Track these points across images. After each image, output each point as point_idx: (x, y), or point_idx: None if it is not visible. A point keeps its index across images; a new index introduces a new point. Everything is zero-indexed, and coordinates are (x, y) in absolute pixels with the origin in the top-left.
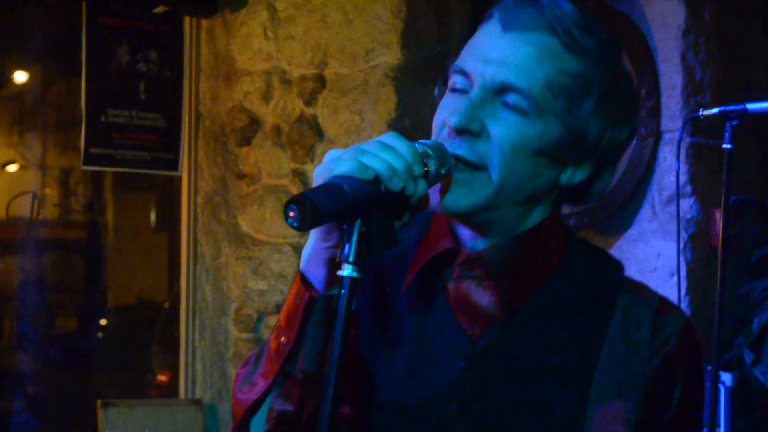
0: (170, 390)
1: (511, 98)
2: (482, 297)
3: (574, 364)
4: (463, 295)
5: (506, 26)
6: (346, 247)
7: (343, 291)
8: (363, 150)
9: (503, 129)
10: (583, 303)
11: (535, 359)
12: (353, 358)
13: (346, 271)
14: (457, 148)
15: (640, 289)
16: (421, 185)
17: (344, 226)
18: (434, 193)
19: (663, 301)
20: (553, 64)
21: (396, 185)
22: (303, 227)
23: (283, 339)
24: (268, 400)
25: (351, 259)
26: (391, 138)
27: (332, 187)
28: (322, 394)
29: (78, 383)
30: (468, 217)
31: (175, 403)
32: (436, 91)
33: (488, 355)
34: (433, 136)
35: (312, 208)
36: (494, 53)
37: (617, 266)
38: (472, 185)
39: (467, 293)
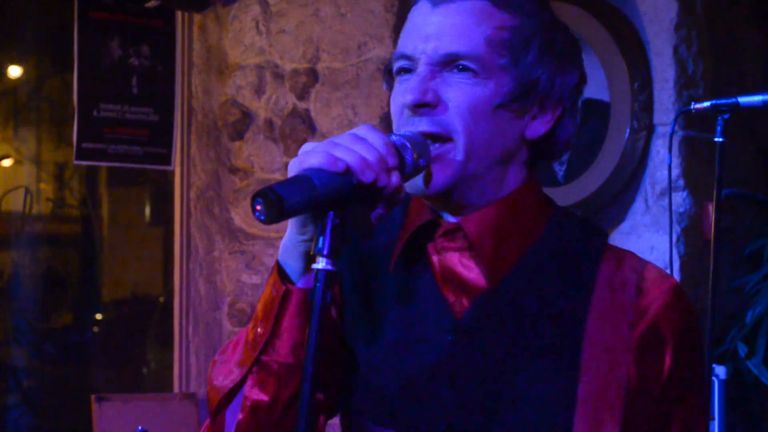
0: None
1: (459, 65)
2: (465, 267)
3: (562, 331)
4: (446, 267)
5: (435, 2)
6: (320, 240)
7: (318, 284)
8: (334, 143)
9: (458, 94)
10: (568, 269)
11: (522, 328)
12: (333, 346)
13: (321, 264)
14: (419, 124)
15: (625, 255)
16: (394, 177)
17: (318, 220)
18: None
19: (649, 265)
20: (488, 23)
21: (368, 177)
22: (269, 221)
23: (259, 330)
24: (244, 389)
25: (325, 252)
26: (364, 130)
27: (300, 179)
28: (297, 385)
29: (72, 377)
30: (448, 196)
31: (169, 397)
32: (384, 86)
33: (475, 327)
34: (395, 127)
35: (277, 201)
36: (430, 29)
37: (600, 233)
38: (443, 161)
39: (450, 265)
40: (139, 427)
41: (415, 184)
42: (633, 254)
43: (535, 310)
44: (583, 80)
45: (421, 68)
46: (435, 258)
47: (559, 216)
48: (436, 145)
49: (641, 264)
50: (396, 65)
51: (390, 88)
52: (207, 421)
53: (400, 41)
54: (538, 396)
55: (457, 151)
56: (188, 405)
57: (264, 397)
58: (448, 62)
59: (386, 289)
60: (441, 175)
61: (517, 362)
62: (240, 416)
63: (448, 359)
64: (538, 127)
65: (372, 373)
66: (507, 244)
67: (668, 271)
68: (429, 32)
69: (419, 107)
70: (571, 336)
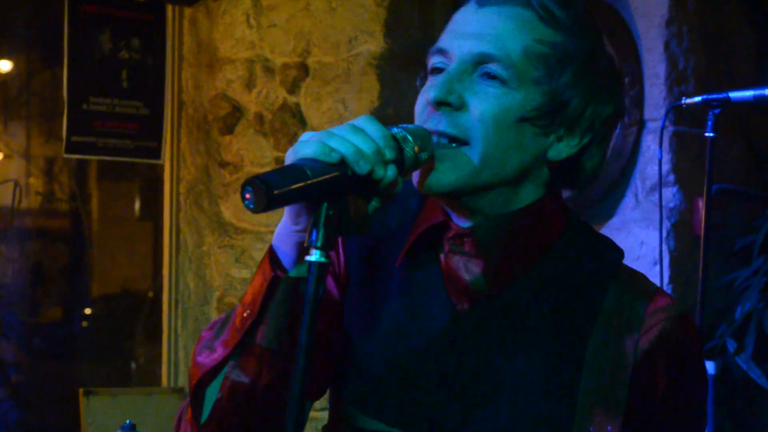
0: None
1: (490, 68)
2: (470, 273)
3: (563, 344)
4: (452, 269)
5: (481, 3)
6: (314, 232)
7: (310, 277)
8: (331, 133)
9: (483, 101)
10: (577, 284)
11: (522, 337)
12: (326, 329)
13: (314, 256)
14: (438, 123)
15: (637, 276)
16: (391, 170)
17: (312, 211)
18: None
19: (660, 290)
20: (530, 34)
21: (363, 169)
22: (258, 209)
23: (246, 313)
24: (225, 368)
25: (318, 244)
26: (362, 121)
27: (293, 169)
28: (279, 370)
29: (61, 372)
30: (455, 199)
31: (158, 392)
32: (418, 82)
33: (474, 330)
34: (416, 122)
35: (266, 190)
36: (470, 28)
37: (616, 252)
38: (456, 160)
39: (456, 268)
40: (127, 421)
41: (423, 181)
42: (644, 276)
43: (537, 322)
44: (619, 114)
45: (452, 66)
46: (443, 255)
47: (575, 231)
48: (453, 144)
49: (652, 287)
50: (431, 61)
51: (423, 84)
52: (187, 398)
53: (440, 37)
54: (530, 407)
55: (472, 155)
56: (176, 399)
57: (244, 379)
58: (480, 63)
59: (391, 282)
60: (450, 175)
61: (511, 372)
62: (219, 395)
63: (442, 356)
64: (562, 149)
65: (366, 363)
66: (515, 255)
67: (658, 267)
68: (468, 30)
69: (441, 105)
70: (574, 349)
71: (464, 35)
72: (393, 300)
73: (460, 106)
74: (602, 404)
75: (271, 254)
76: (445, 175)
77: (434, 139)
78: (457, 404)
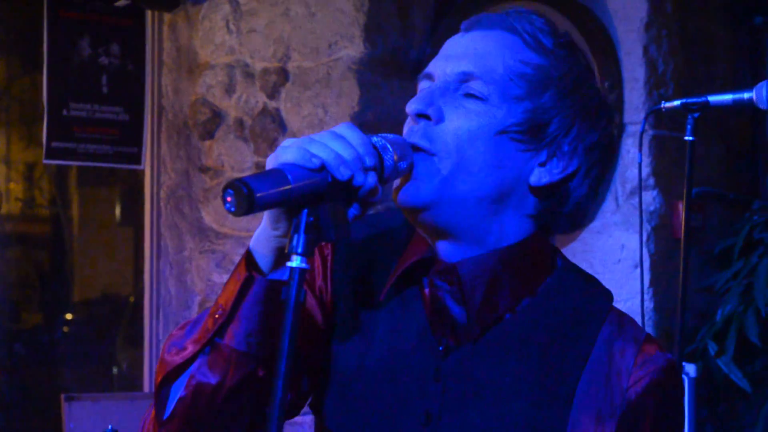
0: (134, 383)
1: (472, 85)
2: (455, 310)
3: (551, 388)
4: (437, 306)
5: (467, 28)
6: (295, 237)
7: (293, 282)
8: (311, 139)
9: (461, 116)
10: (565, 327)
11: (508, 379)
12: (308, 363)
13: (295, 262)
14: (413, 135)
15: (627, 321)
16: (371, 177)
17: (293, 217)
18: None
19: (649, 337)
20: (513, 55)
21: (343, 175)
22: (239, 213)
23: (218, 313)
24: (192, 367)
25: (299, 250)
26: (343, 128)
27: (273, 173)
28: (245, 374)
29: (42, 377)
30: (428, 216)
31: (139, 397)
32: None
33: (459, 371)
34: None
35: (248, 194)
36: (455, 50)
37: (605, 294)
38: (426, 170)
39: (441, 306)
40: (109, 427)
41: (398, 195)
42: (633, 321)
43: (522, 366)
44: (605, 146)
45: (435, 84)
46: (427, 291)
47: (563, 272)
48: (422, 155)
49: (641, 333)
50: (419, 86)
51: None
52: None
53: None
54: None
55: (442, 165)
56: None
57: (210, 380)
58: (462, 81)
59: (377, 315)
60: (421, 186)
61: (498, 414)
62: (183, 393)
63: (427, 398)
64: (544, 175)
65: (351, 398)
66: (499, 295)
67: (638, 270)
68: (452, 53)
69: (420, 117)
70: (560, 397)
71: (448, 57)
72: (378, 334)
73: (439, 119)
74: None
75: (248, 256)
76: (415, 189)
77: (410, 153)
78: None
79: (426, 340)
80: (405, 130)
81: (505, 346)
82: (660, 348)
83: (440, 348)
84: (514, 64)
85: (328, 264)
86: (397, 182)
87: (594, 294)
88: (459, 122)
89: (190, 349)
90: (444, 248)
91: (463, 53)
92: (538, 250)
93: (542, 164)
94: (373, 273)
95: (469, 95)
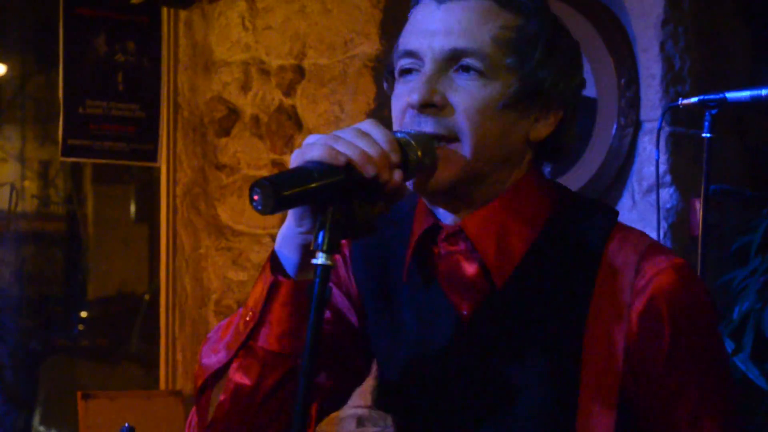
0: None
1: (466, 63)
2: (469, 271)
3: (564, 327)
4: (451, 272)
5: (440, 0)
6: (320, 235)
7: (317, 280)
8: (337, 136)
9: (465, 97)
10: (572, 257)
11: (525, 327)
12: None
13: (320, 259)
14: (424, 125)
15: (631, 234)
16: (397, 174)
17: (318, 214)
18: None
19: (654, 246)
20: (495, 22)
21: (369, 172)
22: (266, 211)
23: (248, 315)
24: (228, 371)
25: (324, 247)
26: (368, 125)
27: (300, 171)
28: (281, 373)
29: (58, 375)
30: (453, 193)
31: (156, 395)
32: (385, 86)
33: (479, 330)
34: (395, 126)
35: (274, 191)
36: (436, 25)
37: (608, 214)
38: (449, 158)
39: (455, 270)
40: (126, 425)
41: (420, 181)
42: (640, 233)
43: (540, 308)
44: (583, 84)
45: (427, 66)
46: (441, 262)
47: (565, 203)
48: (442, 144)
49: (645, 243)
50: (399, 64)
51: (391, 89)
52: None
53: (402, 39)
54: (540, 396)
55: (464, 150)
56: (174, 402)
57: (247, 381)
58: (454, 59)
59: (402, 297)
60: (446, 172)
61: (519, 363)
62: (222, 397)
63: (454, 364)
64: (542, 129)
65: (394, 381)
66: (509, 240)
67: None
68: (434, 28)
69: (425, 107)
70: (574, 330)
71: (431, 33)
72: (406, 314)
73: (444, 106)
74: (600, 398)
75: (273, 258)
76: (442, 173)
77: (434, 148)
78: (468, 412)
79: (446, 309)
80: (398, 119)
81: (520, 295)
82: (666, 254)
83: (459, 315)
84: (499, 32)
85: (348, 257)
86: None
87: (594, 216)
88: (465, 103)
89: (225, 353)
90: (446, 213)
91: (446, 28)
92: (534, 189)
93: (537, 120)
94: (390, 255)
95: (464, 70)
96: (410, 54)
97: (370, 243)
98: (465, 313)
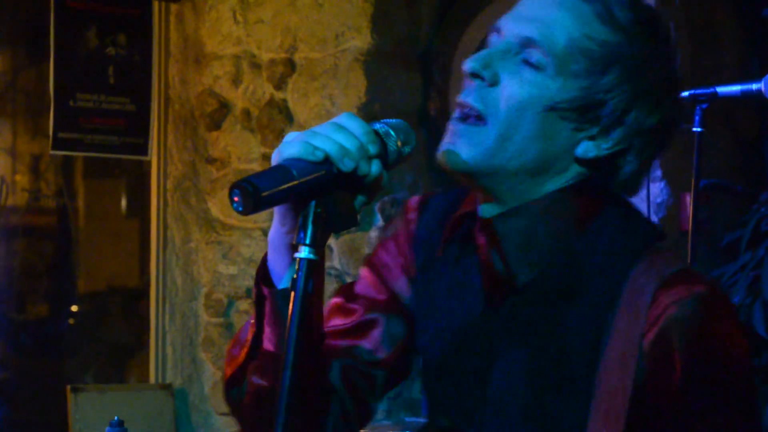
0: (140, 374)
1: (532, 53)
2: (498, 263)
3: (587, 335)
4: (484, 260)
5: None
6: (302, 229)
7: (299, 273)
8: (314, 132)
9: (516, 83)
10: (601, 270)
11: (550, 327)
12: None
13: (303, 253)
14: (467, 95)
15: (660, 258)
16: (375, 165)
17: (300, 210)
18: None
19: (679, 274)
20: (582, 28)
21: (347, 166)
22: (246, 211)
23: (251, 320)
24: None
25: (306, 241)
26: (344, 119)
27: (278, 170)
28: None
29: (48, 369)
30: (473, 178)
31: (146, 388)
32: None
33: (501, 326)
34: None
35: (253, 192)
36: (526, 11)
37: (647, 232)
38: (473, 137)
39: (487, 258)
40: (115, 418)
41: (441, 155)
42: (672, 258)
43: (564, 312)
44: (665, 129)
45: (497, 44)
46: (479, 249)
47: (610, 214)
48: (471, 121)
49: (671, 269)
50: (489, 38)
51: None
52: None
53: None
54: (553, 408)
55: (489, 134)
56: (164, 395)
57: (264, 383)
58: (524, 46)
59: (437, 271)
60: (465, 152)
61: (537, 372)
62: (245, 399)
63: (481, 351)
64: (591, 149)
65: (429, 354)
66: (536, 247)
67: None
68: (523, 14)
69: (473, 76)
70: (594, 340)
71: (518, 17)
72: (440, 292)
73: (494, 83)
74: (608, 421)
75: (259, 270)
76: (461, 151)
77: (456, 112)
78: (481, 401)
79: (477, 295)
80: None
81: (547, 295)
82: (691, 282)
83: (487, 304)
84: (580, 37)
85: (413, 233)
86: (443, 142)
87: (632, 234)
88: (512, 89)
89: (241, 355)
90: (486, 205)
91: (531, 16)
92: (575, 201)
93: (591, 138)
94: (435, 232)
95: (527, 62)
96: (497, 30)
97: (436, 214)
98: (496, 300)
